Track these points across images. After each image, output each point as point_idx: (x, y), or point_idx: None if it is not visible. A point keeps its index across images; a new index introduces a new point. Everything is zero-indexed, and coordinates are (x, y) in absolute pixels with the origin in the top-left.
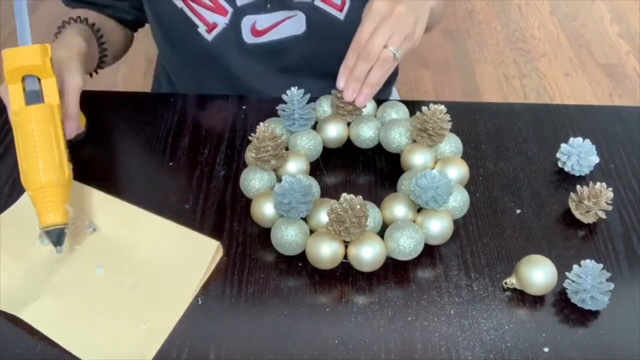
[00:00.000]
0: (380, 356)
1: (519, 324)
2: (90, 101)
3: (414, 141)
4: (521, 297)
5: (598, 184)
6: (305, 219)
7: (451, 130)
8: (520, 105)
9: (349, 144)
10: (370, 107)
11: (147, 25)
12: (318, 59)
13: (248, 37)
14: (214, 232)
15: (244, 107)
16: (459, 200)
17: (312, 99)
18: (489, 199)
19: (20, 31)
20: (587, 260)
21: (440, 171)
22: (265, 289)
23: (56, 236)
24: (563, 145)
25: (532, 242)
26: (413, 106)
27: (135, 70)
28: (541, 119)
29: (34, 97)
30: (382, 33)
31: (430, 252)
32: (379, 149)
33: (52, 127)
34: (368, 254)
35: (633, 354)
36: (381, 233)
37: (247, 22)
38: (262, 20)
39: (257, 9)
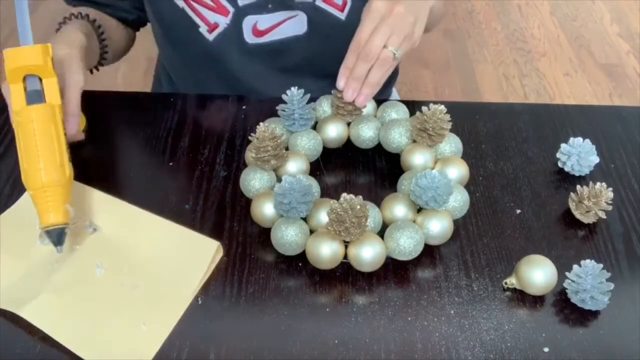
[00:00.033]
0: (380, 356)
1: (519, 324)
2: (90, 101)
3: (414, 141)
4: (521, 297)
5: (598, 184)
6: (305, 219)
7: (451, 130)
8: (520, 105)
9: (349, 144)
10: (370, 107)
11: (148, 25)
12: (319, 59)
13: (249, 37)
14: (214, 232)
15: (244, 107)
16: (459, 200)
17: (312, 99)
18: (489, 199)
19: (21, 31)
20: (587, 260)
21: (440, 171)
22: (265, 289)
23: (57, 236)
24: (563, 145)
25: (532, 242)
26: (413, 106)
27: (135, 70)
28: (541, 119)
29: (35, 96)
30: (381, 33)
31: (430, 252)
32: (379, 149)
33: (53, 127)
34: (368, 254)
35: (633, 354)
36: (381, 233)
37: (248, 22)
38: (264, 20)
39: (258, 9)
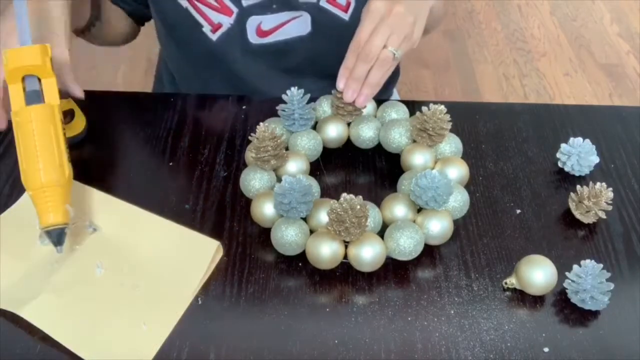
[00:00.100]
0: (380, 356)
1: (519, 324)
2: (90, 101)
3: (414, 141)
4: (521, 297)
5: (598, 184)
6: (305, 219)
7: (451, 130)
8: (520, 105)
9: (349, 144)
10: (370, 107)
11: (149, 26)
12: (322, 59)
13: (253, 38)
14: (214, 232)
15: (244, 107)
16: (459, 200)
17: (313, 99)
18: (489, 199)
19: (20, 31)
20: (587, 260)
21: (440, 171)
22: (265, 289)
23: (56, 236)
24: (563, 145)
25: (532, 242)
26: (413, 106)
27: (135, 70)
28: (541, 119)
29: (34, 97)
30: (381, 33)
31: (430, 252)
32: (379, 149)
33: (52, 127)
34: (368, 254)
35: (633, 354)
36: (381, 233)
37: (252, 22)
38: (268, 20)
39: (262, 9)
